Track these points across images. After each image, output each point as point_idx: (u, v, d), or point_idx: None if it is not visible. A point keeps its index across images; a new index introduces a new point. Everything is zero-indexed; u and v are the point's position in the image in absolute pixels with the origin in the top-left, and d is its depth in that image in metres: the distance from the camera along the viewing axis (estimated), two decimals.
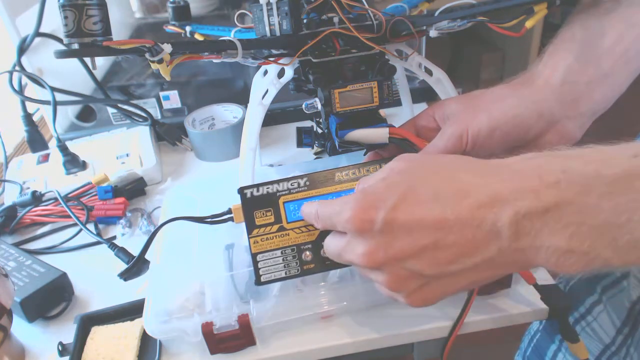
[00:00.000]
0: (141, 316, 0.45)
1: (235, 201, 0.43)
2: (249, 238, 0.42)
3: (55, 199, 0.66)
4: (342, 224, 0.34)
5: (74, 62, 0.78)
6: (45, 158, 0.76)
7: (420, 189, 0.32)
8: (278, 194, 0.42)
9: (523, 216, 0.28)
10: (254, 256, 0.41)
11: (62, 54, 0.38)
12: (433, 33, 0.47)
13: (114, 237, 0.63)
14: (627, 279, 0.48)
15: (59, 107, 0.75)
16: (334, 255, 0.38)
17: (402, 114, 0.67)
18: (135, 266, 0.45)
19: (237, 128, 0.74)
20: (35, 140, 0.79)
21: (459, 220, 0.30)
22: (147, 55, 0.40)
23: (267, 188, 0.42)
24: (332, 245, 0.37)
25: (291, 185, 0.42)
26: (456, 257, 0.31)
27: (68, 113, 0.86)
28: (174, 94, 0.85)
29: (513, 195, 0.29)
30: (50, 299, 0.53)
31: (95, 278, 0.56)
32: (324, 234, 0.42)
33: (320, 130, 0.65)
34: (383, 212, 0.32)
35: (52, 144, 0.80)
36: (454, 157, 0.34)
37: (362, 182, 0.36)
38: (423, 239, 0.31)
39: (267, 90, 0.50)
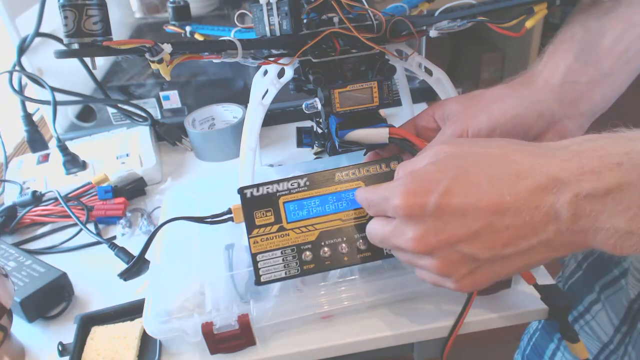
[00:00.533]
0: (141, 316, 0.45)
1: (235, 201, 0.43)
2: (248, 238, 0.42)
3: (55, 199, 0.66)
4: (391, 210, 0.33)
5: (74, 62, 0.77)
6: (45, 158, 0.76)
7: (473, 171, 0.31)
8: (278, 194, 0.42)
9: (584, 198, 0.28)
10: (253, 256, 0.41)
11: (62, 54, 0.38)
12: (433, 33, 0.47)
13: (114, 237, 0.63)
14: (626, 278, 0.48)
15: (59, 107, 0.75)
16: (377, 240, 0.37)
17: (402, 114, 0.67)
18: (135, 266, 0.45)
19: (237, 128, 0.74)
20: (35, 140, 0.79)
21: (516, 202, 0.29)
22: (147, 55, 0.40)
23: (267, 188, 0.42)
24: (377, 230, 0.36)
25: (291, 185, 0.42)
26: (511, 239, 0.30)
27: (68, 113, 0.86)
28: (174, 94, 0.85)
29: (573, 177, 0.28)
30: (50, 299, 0.53)
31: (95, 278, 0.56)
32: (324, 233, 0.42)
33: (320, 130, 0.65)
34: (435, 195, 0.31)
35: (52, 144, 0.80)
36: (505, 140, 0.33)
37: (405, 165, 0.35)
38: (477, 222, 0.30)
39: (267, 90, 0.50)
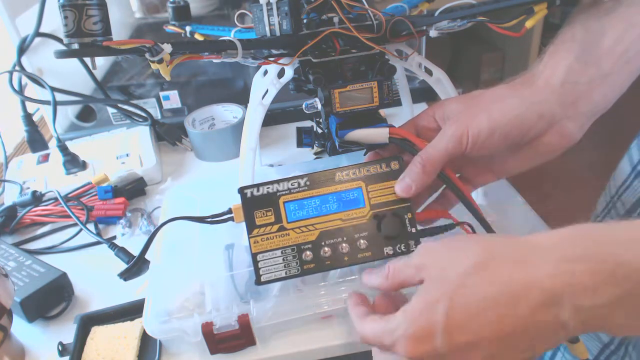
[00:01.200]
0: (141, 316, 0.45)
1: (236, 201, 0.43)
2: (249, 238, 0.42)
3: (55, 199, 0.66)
4: (400, 356, 0.33)
5: (74, 62, 0.77)
6: (45, 158, 0.76)
7: (463, 300, 0.31)
8: (278, 193, 0.42)
9: (586, 309, 0.28)
10: (254, 256, 0.41)
11: (62, 54, 0.38)
12: (433, 33, 0.47)
13: (114, 237, 0.63)
14: None
15: (59, 107, 0.75)
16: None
17: (402, 114, 0.67)
18: (136, 266, 0.45)
19: (237, 128, 0.74)
20: (35, 140, 0.79)
21: (520, 323, 0.29)
22: (147, 55, 0.40)
23: (268, 188, 0.42)
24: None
25: (291, 185, 0.42)
26: (528, 347, 0.30)
27: (68, 113, 0.86)
28: (174, 94, 0.85)
29: (567, 293, 0.28)
30: (50, 299, 0.53)
31: (95, 278, 0.56)
32: (324, 233, 0.42)
33: (320, 130, 0.65)
34: (439, 337, 0.31)
35: (52, 144, 0.80)
36: (477, 245, 0.33)
37: (398, 305, 0.34)
38: (491, 347, 0.30)
39: (267, 90, 0.50)
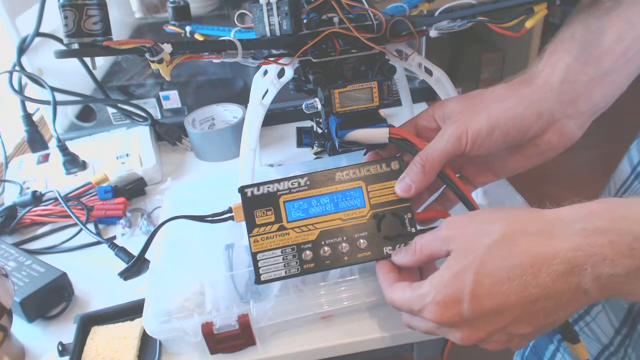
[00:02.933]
0: (141, 316, 0.45)
1: (236, 201, 0.43)
2: (249, 237, 0.42)
3: (55, 199, 0.66)
4: (428, 321, 0.35)
5: (74, 62, 0.77)
6: (45, 158, 0.76)
7: (489, 270, 0.33)
8: (279, 193, 0.42)
9: (606, 278, 0.30)
10: (254, 255, 0.41)
11: (62, 54, 0.38)
12: (433, 33, 0.47)
13: (114, 237, 0.63)
14: None
15: (59, 107, 0.75)
16: (425, 330, 0.38)
17: (402, 114, 0.67)
18: (135, 265, 0.45)
19: (237, 128, 0.74)
20: (35, 140, 0.79)
21: (542, 291, 0.31)
22: (147, 55, 0.40)
23: (268, 187, 0.42)
24: (417, 324, 0.38)
25: (292, 184, 0.42)
26: (549, 314, 0.33)
27: (68, 113, 0.86)
28: (174, 94, 0.85)
29: (588, 263, 0.30)
30: (50, 299, 0.53)
31: (95, 278, 0.56)
32: (324, 233, 0.42)
33: (320, 130, 0.65)
34: (466, 303, 0.33)
35: (52, 144, 0.80)
36: (508, 219, 0.35)
37: (427, 280, 0.36)
38: (514, 313, 0.32)
39: (267, 90, 0.50)
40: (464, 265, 0.33)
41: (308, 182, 0.43)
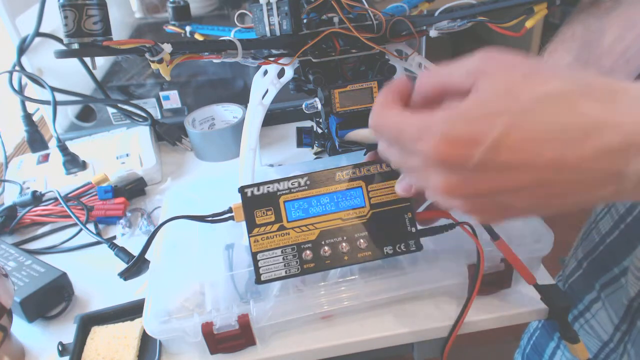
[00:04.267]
0: (141, 316, 0.45)
1: (236, 201, 0.43)
2: (249, 237, 0.42)
3: (55, 199, 0.66)
4: (418, 153, 0.28)
5: (74, 62, 0.77)
6: (45, 158, 0.76)
7: (531, 120, 0.26)
8: (279, 193, 0.42)
9: None
10: (254, 255, 0.41)
11: (62, 54, 0.38)
12: (433, 33, 0.47)
13: (114, 237, 0.63)
14: (626, 277, 0.48)
15: (59, 107, 0.75)
16: (395, 165, 0.33)
17: None
18: (136, 265, 0.45)
19: (237, 128, 0.74)
20: (35, 140, 0.79)
21: (578, 162, 0.25)
22: (147, 55, 0.40)
23: (268, 187, 0.42)
24: (394, 156, 0.32)
25: (292, 184, 0.42)
26: (559, 196, 0.27)
27: (68, 113, 0.86)
28: (174, 94, 0.85)
29: None
30: (50, 299, 0.53)
31: (95, 278, 0.56)
32: (324, 233, 0.42)
33: (320, 130, 0.65)
34: (482, 149, 0.26)
35: (52, 144, 0.80)
36: (570, 77, 0.27)
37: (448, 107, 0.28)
38: (526, 177, 0.26)
39: (267, 90, 0.50)
40: (498, 109, 0.26)
41: (308, 182, 0.43)
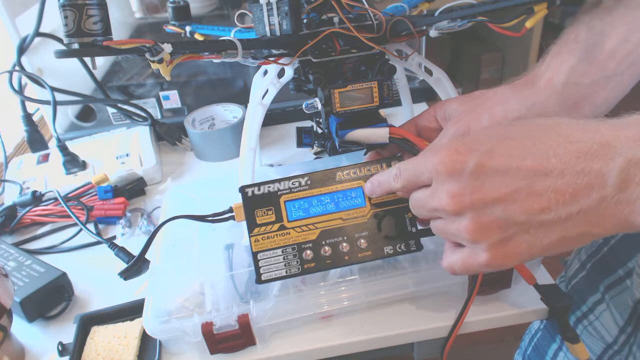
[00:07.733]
0: (141, 316, 0.45)
1: (236, 201, 0.43)
2: (249, 236, 0.42)
3: (55, 199, 0.66)
4: (429, 170, 0.33)
5: (74, 62, 0.77)
6: (45, 158, 0.76)
7: (520, 135, 0.31)
8: (279, 192, 0.42)
9: (635, 164, 0.27)
10: (254, 255, 0.41)
11: (62, 54, 0.38)
12: (433, 33, 0.47)
13: (114, 237, 0.63)
14: (631, 278, 0.48)
15: (59, 107, 0.75)
16: (417, 207, 0.36)
17: (402, 114, 0.67)
18: (136, 265, 0.45)
19: (237, 128, 0.74)
20: (35, 140, 0.79)
21: (560, 164, 0.28)
22: (147, 55, 0.40)
23: (269, 187, 0.42)
24: (416, 196, 0.36)
25: (292, 184, 0.42)
26: (551, 204, 0.29)
27: (68, 113, 0.86)
28: (174, 94, 0.85)
29: (628, 143, 0.27)
30: (50, 299, 0.53)
31: (95, 278, 0.56)
32: (325, 232, 0.42)
33: (320, 130, 0.65)
34: (478, 154, 0.31)
35: (52, 144, 0.80)
36: (554, 117, 0.32)
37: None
38: (516, 182, 0.29)
39: (267, 90, 0.50)
40: (498, 130, 0.32)
41: (309, 182, 0.43)
